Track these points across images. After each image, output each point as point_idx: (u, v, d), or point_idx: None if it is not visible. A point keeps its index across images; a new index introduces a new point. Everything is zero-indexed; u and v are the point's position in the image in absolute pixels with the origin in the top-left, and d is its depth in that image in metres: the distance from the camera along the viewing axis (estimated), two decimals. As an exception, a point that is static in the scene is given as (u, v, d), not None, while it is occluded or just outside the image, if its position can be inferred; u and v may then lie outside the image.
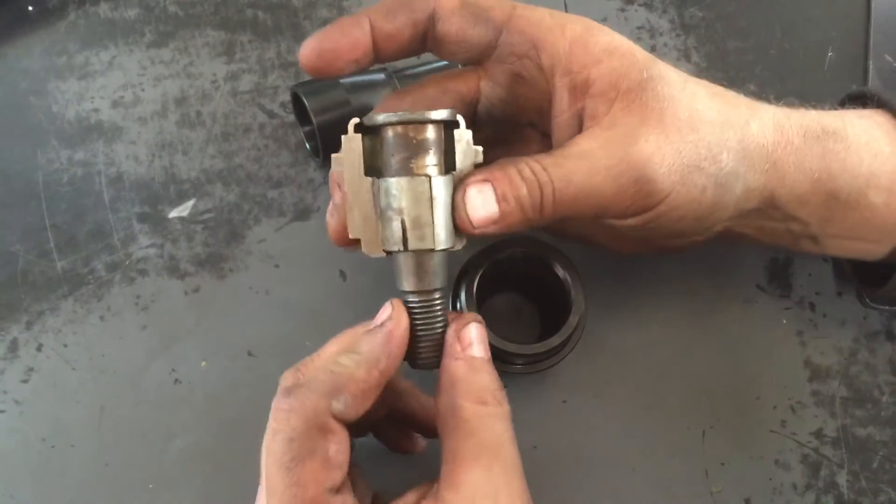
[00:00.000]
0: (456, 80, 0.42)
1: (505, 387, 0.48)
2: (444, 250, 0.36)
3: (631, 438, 0.47)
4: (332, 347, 0.37)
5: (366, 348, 0.35)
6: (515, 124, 0.44)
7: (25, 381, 0.48)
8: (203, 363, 0.48)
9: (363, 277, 0.50)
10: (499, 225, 0.36)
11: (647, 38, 0.56)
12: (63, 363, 0.48)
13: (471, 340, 0.36)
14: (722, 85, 0.54)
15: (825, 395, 0.48)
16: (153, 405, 0.47)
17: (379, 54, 0.39)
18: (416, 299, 0.37)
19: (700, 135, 0.38)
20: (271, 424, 0.34)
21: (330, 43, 0.37)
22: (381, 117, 0.35)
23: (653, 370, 0.49)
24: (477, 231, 0.36)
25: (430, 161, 0.35)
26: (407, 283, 0.37)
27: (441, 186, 0.35)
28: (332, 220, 0.40)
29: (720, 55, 0.56)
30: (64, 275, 0.50)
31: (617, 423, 0.48)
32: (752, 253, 0.51)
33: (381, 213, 0.36)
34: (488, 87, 0.42)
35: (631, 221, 0.39)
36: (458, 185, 0.36)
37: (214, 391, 0.48)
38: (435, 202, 0.35)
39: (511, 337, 0.42)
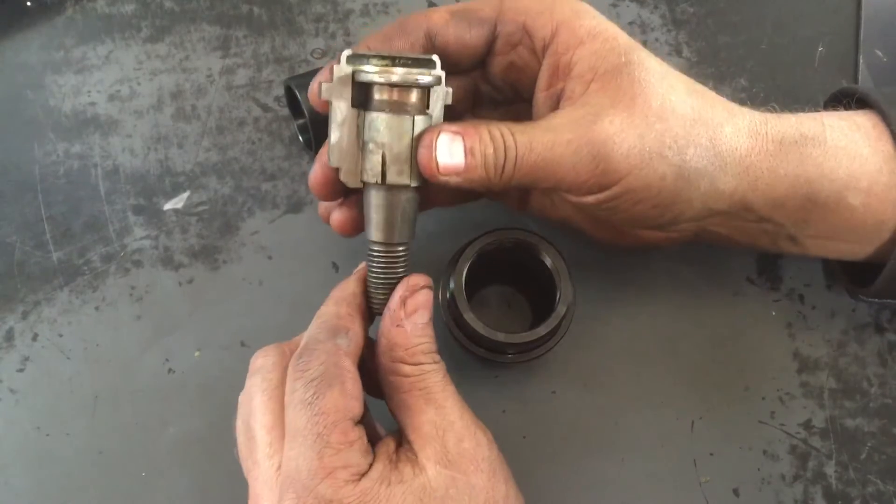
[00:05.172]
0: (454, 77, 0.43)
1: (495, 377, 0.49)
2: (416, 187, 0.38)
3: (620, 429, 0.48)
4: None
5: (335, 294, 0.39)
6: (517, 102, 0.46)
7: (21, 371, 0.48)
8: (196, 353, 0.49)
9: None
10: (461, 177, 0.38)
11: (639, 33, 0.56)
12: (58, 353, 0.49)
13: (416, 307, 0.37)
14: (713, 79, 0.55)
15: (814, 387, 0.49)
16: (147, 394, 0.48)
17: None
18: (381, 250, 0.39)
19: (668, 125, 0.38)
20: (289, 381, 0.35)
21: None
22: (368, 76, 0.36)
23: (642, 361, 0.49)
24: (440, 177, 0.37)
25: (414, 100, 0.37)
26: (375, 234, 0.39)
27: (420, 126, 0.37)
28: (320, 167, 0.40)
29: (711, 50, 0.56)
30: (59, 266, 0.50)
31: (606, 413, 0.48)
32: (742, 245, 0.51)
33: (363, 145, 0.37)
34: (485, 85, 0.44)
35: (589, 199, 0.39)
36: (428, 129, 0.38)
37: (207, 381, 0.48)
38: (414, 141, 0.37)
39: (501, 327, 0.42)
